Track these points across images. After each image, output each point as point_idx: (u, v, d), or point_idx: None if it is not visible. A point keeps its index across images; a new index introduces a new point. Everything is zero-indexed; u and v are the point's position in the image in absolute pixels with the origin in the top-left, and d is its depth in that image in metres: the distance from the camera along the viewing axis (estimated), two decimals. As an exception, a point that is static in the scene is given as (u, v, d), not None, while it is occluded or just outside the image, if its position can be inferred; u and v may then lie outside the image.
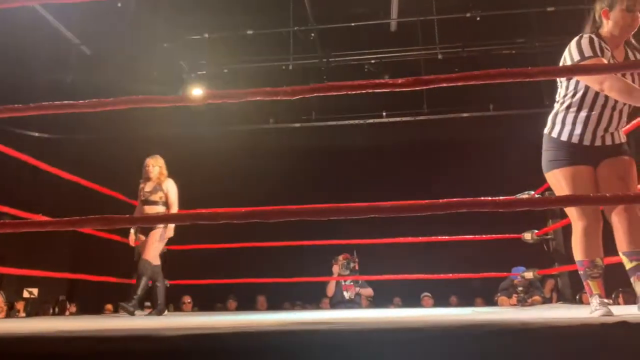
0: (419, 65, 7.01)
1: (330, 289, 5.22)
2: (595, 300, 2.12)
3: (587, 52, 2.18)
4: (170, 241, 4.82)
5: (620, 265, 2.17)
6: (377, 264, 5.51)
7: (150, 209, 4.08)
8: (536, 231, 4.47)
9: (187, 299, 6.72)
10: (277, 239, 4.92)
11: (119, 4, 6.05)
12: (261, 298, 7.00)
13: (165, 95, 2.91)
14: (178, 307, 6.69)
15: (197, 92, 7.07)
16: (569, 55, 2.26)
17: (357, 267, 5.13)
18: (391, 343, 1.23)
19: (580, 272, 2.20)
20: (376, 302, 6.23)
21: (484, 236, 4.64)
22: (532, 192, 4.22)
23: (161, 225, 4.03)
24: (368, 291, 5.33)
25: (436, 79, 1.66)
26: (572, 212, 2.23)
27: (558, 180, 2.26)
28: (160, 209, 4.10)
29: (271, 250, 5.65)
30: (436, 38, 6.76)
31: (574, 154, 2.22)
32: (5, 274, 7.89)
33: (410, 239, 4.63)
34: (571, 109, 2.24)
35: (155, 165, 4.24)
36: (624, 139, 2.25)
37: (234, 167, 7.69)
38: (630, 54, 2.27)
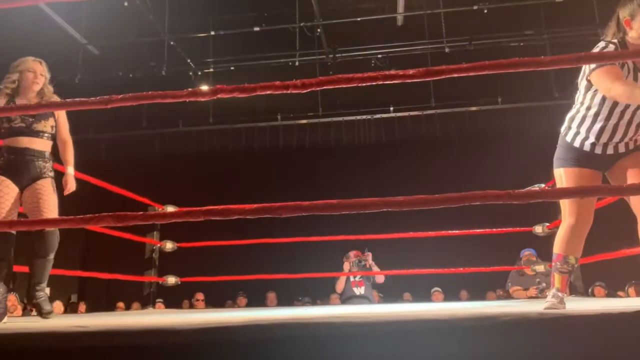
0: (426, 59, 6.98)
1: (340, 286, 5.19)
2: (551, 293, 2.24)
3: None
4: (181, 238, 4.84)
5: (628, 259, 2.18)
6: (386, 259, 5.49)
7: (31, 143, 2.61)
8: (547, 224, 4.43)
9: (200, 296, 6.74)
10: (285, 235, 4.92)
11: (126, 3, 6.05)
12: (271, 295, 7.01)
13: (174, 92, 2.91)
14: (192, 305, 6.72)
15: (203, 87, 7.08)
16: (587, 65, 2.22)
17: (369, 265, 5.09)
18: (405, 335, 1.22)
19: (552, 263, 2.30)
20: (386, 297, 6.22)
21: (494, 230, 4.61)
22: (543, 185, 4.18)
23: (51, 175, 2.68)
24: (380, 278, 5.26)
25: (447, 69, 1.64)
26: (565, 207, 2.28)
27: (561, 178, 2.32)
28: (47, 145, 2.69)
29: (281, 247, 5.66)
30: (443, 32, 6.71)
31: (583, 158, 2.26)
32: (18, 274, 7.96)
33: (419, 234, 4.61)
34: (587, 119, 2.26)
35: (44, 74, 2.76)
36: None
37: (242, 164, 7.70)
38: None
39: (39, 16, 5.92)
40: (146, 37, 6.85)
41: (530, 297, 4.46)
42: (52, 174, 2.69)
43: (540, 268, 4.38)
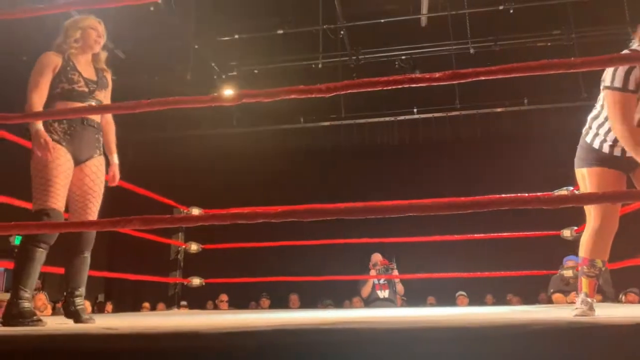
0: (451, 60, 6.91)
1: (366, 291, 5.21)
2: (579, 298, 2.21)
3: (618, 82, 2.11)
4: (206, 239, 4.89)
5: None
6: (410, 262, 5.46)
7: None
8: (575, 228, 4.33)
9: (224, 298, 6.79)
10: (308, 238, 4.93)
11: (152, 8, 6.15)
12: (294, 296, 7.03)
13: (199, 97, 2.94)
14: (216, 306, 6.79)
15: (228, 92, 7.15)
16: (606, 73, 2.19)
17: (395, 273, 5.13)
18: (431, 342, 1.21)
19: (579, 268, 2.28)
20: (409, 301, 6.17)
21: (520, 233, 4.53)
22: (571, 188, 4.09)
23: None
24: (401, 288, 5.28)
25: (474, 72, 1.62)
26: (590, 210, 2.24)
27: (584, 178, 2.29)
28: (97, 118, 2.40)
29: (304, 249, 5.66)
30: (468, 32, 6.63)
31: (604, 159, 2.23)
32: (48, 274, 8.16)
33: (444, 237, 4.56)
34: (606, 122, 2.23)
35: (103, 35, 2.52)
36: None
37: (266, 167, 7.74)
38: None
39: (67, 19, 6.06)
40: (171, 41, 6.95)
41: (571, 303, 4.35)
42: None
43: (569, 273, 4.28)
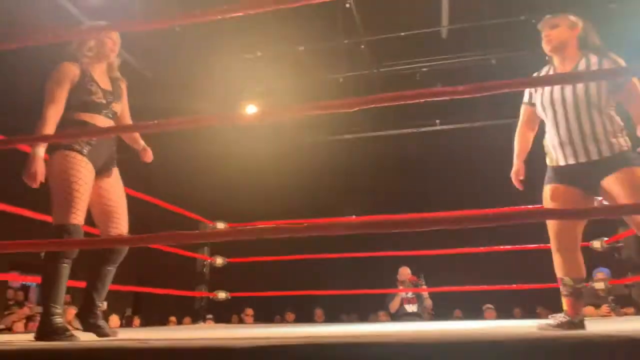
0: (471, 71, 6.88)
1: (394, 306, 5.19)
2: (559, 316, 2.18)
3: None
4: (231, 253, 4.94)
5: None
6: (436, 275, 5.40)
7: (107, 123, 2.35)
8: (605, 239, 4.25)
9: (250, 312, 6.82)
10: (332, 251, 4.93)
11: (177, 28, 6.30)
12: (318, 311, 7.02)
13: (223, 113, 3.00)
14: (241, 320, 6.82)
15: (251, 109, 7.26)
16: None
17: (424, 288, 5.11)
18: (460, 356, 1.20)
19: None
20: (436, 314, 6.09)
21: (549, 245, 4.44)
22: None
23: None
24: (428, 302, 5.25)
25: (498, 84, 1.62)
26: (549, 227, 2.26)
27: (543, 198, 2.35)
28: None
29: (329, 263, 5.67)
30: (489, 43, 6.61)
31: (555, 174, 2.27)
32: (78, 288, 8.31)
33: (471, 249, 4.51)
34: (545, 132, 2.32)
35: (118, 43, 2.42)
36: (618, 149, 2.12)
37: (290, 181, 7.79)
38: None
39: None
40: (196, 59, 7.10)
41: (602, 316, 4.26)
42: None
43: (600, 285, 4.19)
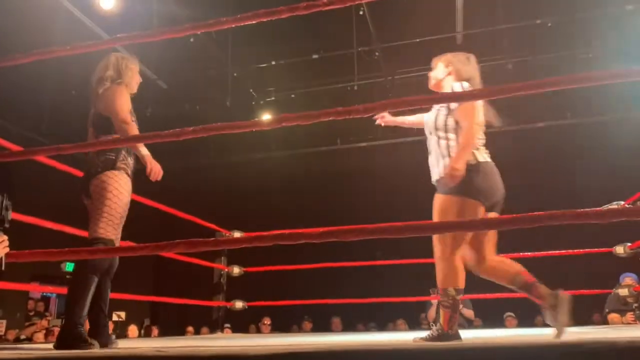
0: (488, 75, 6.81)
1: (431, 315, 5.08)
2: (434, 327, 2.19)
3: None
4: (248, 262, 4.94)
5: None
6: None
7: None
8: (629, 244, 4.15)
9: (267, 321, 6.80)
10: (348, 259, 4.90)
11: (192, 39, 6.38)
12: (336, 320, 6.97)
13: (239, 122, 3.02)
14: (258, 329, 6.80)
15: (267, 117, 7.30)
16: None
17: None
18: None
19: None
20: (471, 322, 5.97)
21: (571, 251, 4.36)
22: (622, 203, 3.93)
23: None
24: (469, 313, 5.06)
25: (511, 87, 1.60)
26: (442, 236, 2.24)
27: None
28: None
29: (346, 271, 5.63)
30: (505, 47, 6.56)
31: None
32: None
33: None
34: None
35: None
36: (440, 175, 2.23)
37: (303, 189, 7.78)
38: None
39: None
40: (210, 70, 7.17)
41: (627, 324, 4.14)
42: None
43: (624, 292, 4.09)
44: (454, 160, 2.11)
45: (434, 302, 5.02)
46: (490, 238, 2.22)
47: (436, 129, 2.24)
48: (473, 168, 2.12)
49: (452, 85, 2.26)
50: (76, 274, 2.23)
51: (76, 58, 5.53)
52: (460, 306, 5.01)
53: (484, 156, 2.20)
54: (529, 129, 7.37)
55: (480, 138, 2.22)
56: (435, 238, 2.18)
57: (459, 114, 2.15)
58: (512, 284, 2.22)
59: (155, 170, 2.39)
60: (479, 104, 2.19)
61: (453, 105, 2.16)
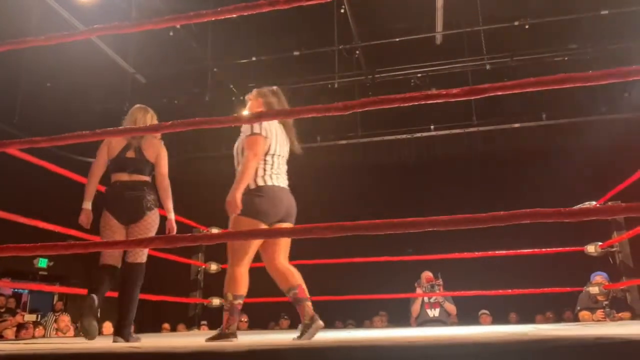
0: (467, 76, 6.91)
1: (415, 310, 5.06)
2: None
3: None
4: (225, 260, 4.89)
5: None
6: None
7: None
8: (600, 243, 4.25)
9: (244, 318, 6.78)
10: (326, 256, 4.91)
11: (171, 33, 6.30)
12: (313, 316, 6.98)
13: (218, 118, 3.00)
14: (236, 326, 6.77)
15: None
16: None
17: (441, 290, 4.95)
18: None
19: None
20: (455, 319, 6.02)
21: (544, 250, 4.45)
22: (594, 203, 4.03)
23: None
24: (451, 307, 5.05)
25: (491, 87, 1.62)
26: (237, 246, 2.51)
27: None
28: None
29: (323, 268, 5.63)
30: (483, 48, 6.64)
31: None
32: (70, 296, 8.25)
33: (467, 255, 4.50)
34: None
35: None
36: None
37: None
38: None
39: (89, 48, 6.23)
40: (190, 64, 7.09)
41: (598, 321, 4.24)
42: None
43: (595, 290, 4.19)
44: (230, 192, 2.39)
45: (419, 299, 5.05)
46: (282, 247, 2.53)
47: (237, 153, 2.54)
48: (253, 192, 2.40)
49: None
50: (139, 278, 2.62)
51: (51, 49, 5.44)
52: (443, 300, 5.05)
53: (271, 180, 2.45)
54: (504, 129, 7.49)
55: (270, 165, 2.47)
56: (228, 250, 2.49)
57: (245, 143, 2.45)
58: (287, 292, 2.49)
59: (172, 231, 2.76)
60: (272, 134, 2.48)
61: (243, 134, 2.49)
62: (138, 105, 2.79)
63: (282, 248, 2.53)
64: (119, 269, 2.56)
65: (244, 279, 2.45)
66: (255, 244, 2.46)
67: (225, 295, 2.41)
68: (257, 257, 4.93)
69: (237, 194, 2.35)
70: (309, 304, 2.42)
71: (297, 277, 2.50)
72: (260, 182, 2.42)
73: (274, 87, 2.72)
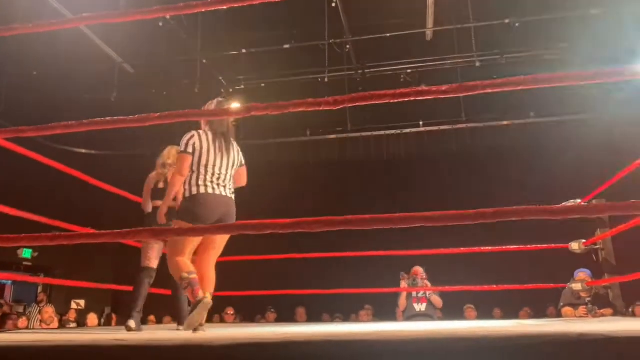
0: (457, 73, 6.93)
1: (402, 304, 5.07)
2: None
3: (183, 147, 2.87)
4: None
5: None
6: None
7: None
8: (583, 241, 4.30)
9: (230, 311, 6.78)
10: (313, 250, 4.91)
11: (160, 23, 6.23)
12: (300, 310, 7.00)
13: (206, 110, 2.98)
14: (222, 319, 6.77)
15: (235, 106, 7.21)
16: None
17: (426, 284, 4.96)
18: (435, 354, 1.20)
19: None
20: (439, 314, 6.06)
21: (529, 246, 4.50)
22: (579, 200, 4.07)
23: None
24: (437, 300, 5.06)
25: (480, 84, 1.63)
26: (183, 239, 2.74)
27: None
28: None
29: (310, 262, 5.64)
30: (473, 45, 6.67)
31: None
32: (55, 287, 8.17)
33: (452, 250, 4.53)
34: None
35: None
36: None
37: (272, 179, 7.74)
38: None
39: (76, 37, 6.14)
40: (179, 55, 7.03)
41: (580, 317, 4.29)
42: None
43: (578, 286, 4.24)
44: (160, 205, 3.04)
45: (404, 293, 5.06)
46: (212, 255, 2.87)
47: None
48: (188, 199, 2.73)
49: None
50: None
51: (38, 37, 5.35)
52: (430, 293, 5.06)
53: (205, 189, 2.72)
54: (493, 126, 7.54)
55: (204, 175, 2.74)
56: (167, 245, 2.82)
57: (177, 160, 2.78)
58: (182, 286, 2.76)
59: (161, 220, 3.08)
60: (204, 149, 2.75)
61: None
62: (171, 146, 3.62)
63: (212, 257, 2.88)
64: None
65: (185, 261, 2.69)
66: (191, 242, 2.73)
67: (180, 279, 2.67)
68: (243, 251, 4.93)
69: (163, 208, 2.98)
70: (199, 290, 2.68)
71: (211, 286, 2.84)
72: (194, 191, 2.73)
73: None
